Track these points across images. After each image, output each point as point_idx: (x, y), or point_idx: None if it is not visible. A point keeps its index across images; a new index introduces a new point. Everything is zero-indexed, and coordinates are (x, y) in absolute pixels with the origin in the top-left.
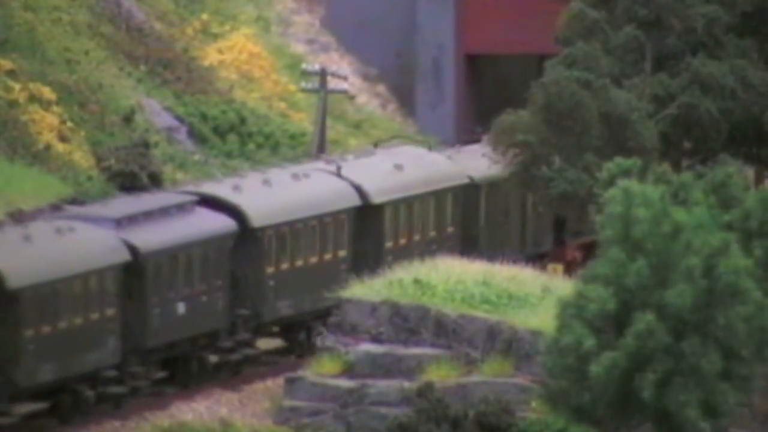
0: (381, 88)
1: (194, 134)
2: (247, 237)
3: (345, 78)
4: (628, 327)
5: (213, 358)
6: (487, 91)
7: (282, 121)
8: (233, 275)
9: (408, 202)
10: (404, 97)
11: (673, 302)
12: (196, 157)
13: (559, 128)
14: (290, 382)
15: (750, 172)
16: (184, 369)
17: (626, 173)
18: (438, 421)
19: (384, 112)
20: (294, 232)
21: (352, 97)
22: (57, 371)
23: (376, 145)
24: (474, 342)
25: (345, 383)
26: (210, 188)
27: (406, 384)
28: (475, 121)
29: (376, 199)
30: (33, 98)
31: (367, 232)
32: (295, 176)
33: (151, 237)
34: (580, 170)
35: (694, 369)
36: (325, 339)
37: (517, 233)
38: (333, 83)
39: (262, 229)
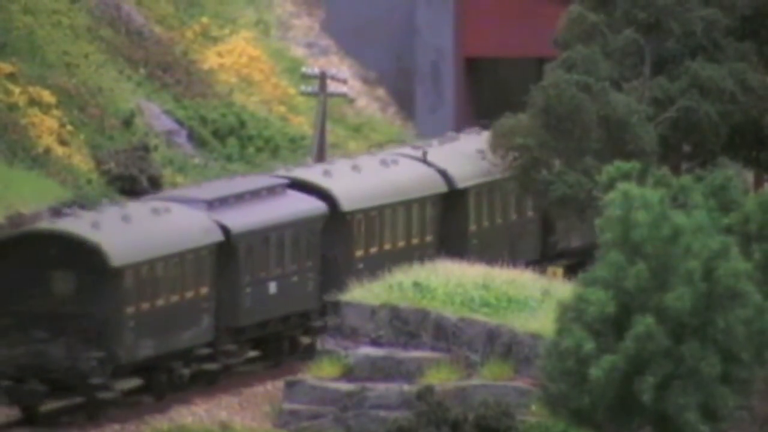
0: (381, 92)
1: (194, 138)
2: (336, 220)
3: (345, 81)
4: (628, 330)
5: (305, 339)
6: (486, 94)
7: (282, 124)
8: (323, 258)
9: (490, 186)
10: (404, 101)
11: (672, 305)
12: (196, 160)
13: (558, 131)
14: (290, 385)
15: (749, 175)
16: (276, 348)
17: (626, 176)
18: (438, 424)
19: (384, 116)
20: (382, 217)
21: (351, 101)
22: (155, 348)
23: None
24: (474, 345)
25: (345, 386)
26: (301, 172)
27: (406, 387)
28: (475, 122)
29: (461, 184)
30: (33, 102)
31: (453, 216)
32: (384, 162)
33: (243, 218)
34: (580, 173)
35: (693, 372)
36: (325, 342)
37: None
38: (333, 87)
39: (352, 213)
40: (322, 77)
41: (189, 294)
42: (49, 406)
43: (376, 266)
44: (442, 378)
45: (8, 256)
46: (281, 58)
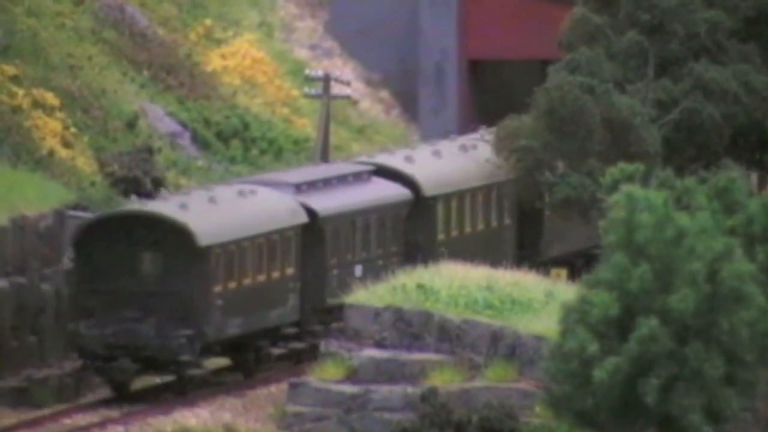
0: (384, 94)
1: (197, 140)
2: (420, 206)
3: (348, 83)
4: (632, 332)
5: None
6: (489, 96)
7: (285, 126)
8: (407, 242)
9: None
10: (407, 103)
11: (676, 307)
12: (199, 162)
13: (562, 133)
14: (294, 387)
15: (753, 176)
16: None
17: (629, 178)
18: (442, 426)
19: (387, 118)
20: (462, 202)
21: (355, 103)
22: (242, 326)
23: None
24: (477, 347)
25: (348, 389)
26: (384, 159)
27: (410, 389)
28: (477, 124)
29: None
30: (36, 104)
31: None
32: (463, 147)
33: (329, 202)
34: (583, 175)
35: (697, 374)
36: (329, 344)
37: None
38: (336, 89)
39: (435, 198)
40: (326, 79)
41: (275, 274)
42: (140, 384)
43: (458, 250)
44: (445, 380)
45: (98, 237)
46: (285, 60)
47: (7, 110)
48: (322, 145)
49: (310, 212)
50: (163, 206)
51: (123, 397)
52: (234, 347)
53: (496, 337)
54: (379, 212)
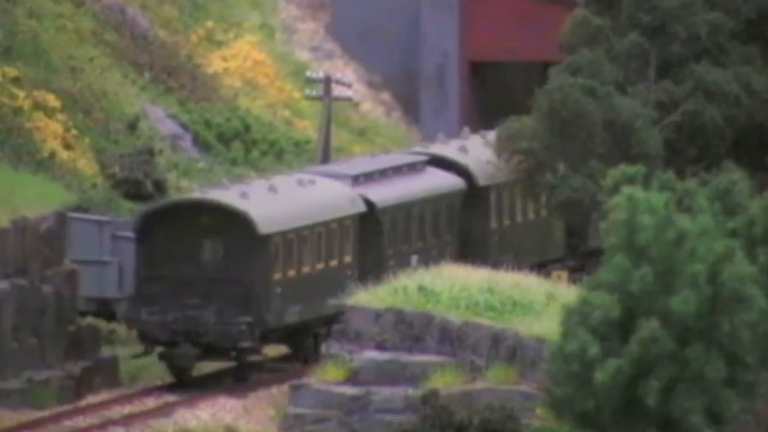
0: (385, 96)
1: (199, 141)
2: (473, 195)
3: (349, 85)
4: (633, 334)
5: None
6: (491, 98)
7: (286, 128)
8: (461, 231)
9: None
10: (409, 104)
11: (677, 309)
12: (201, 164)
13: (563, 135)
14: (295, 389)
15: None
16: None
17: (630, 180)
18: (443, 428)
19: (388, 119)
20: (514, 191)
21: (356, 105)
22: (301, 313)
23: None
24: (478, 349)
25: (349, 390)
26: (439, 149)
27: (411, 391)
28: (479, 127)
29: None
30: (37, 106)
31: None
32: None
33: (386, 192)
34: (585, 177)
35: (698, 376)
36: (330, 346)
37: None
38: (337, 90)
39: (488, 188)
40: (327, 81)
41: (333, 263)
42: (201, 369)
43: (511, 239)
44: (446, 382)
45: (161, 225)
46: (286, 62)
47: (8, 112)
48: (323, 147)
49: (368, 202)
50: (225, 194)
51: (184, 383)
52: (292, 334)
53: (497, 339)
54: (434, 202)
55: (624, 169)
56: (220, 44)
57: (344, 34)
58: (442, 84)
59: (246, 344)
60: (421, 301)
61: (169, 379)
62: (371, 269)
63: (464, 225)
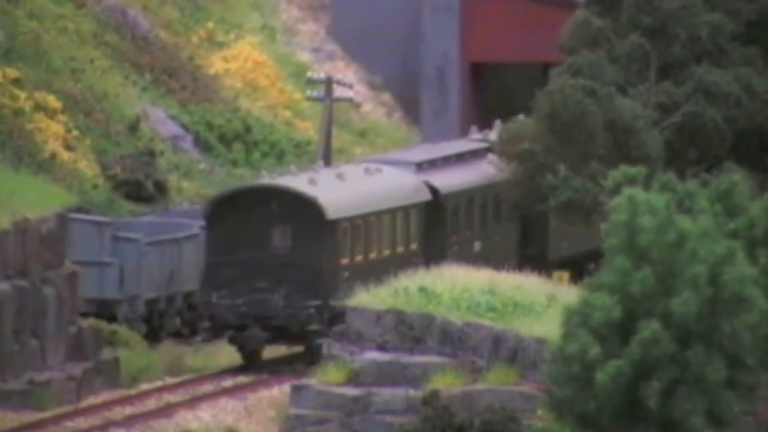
0: (386, 97)
1: (199, 143)
2: None
3: (350, 86)
4: (634, 335)
5: None
6: (491, 99)
7: (287, 129)
8: (522, 217)
9: None
10: (409, 106)
11: (678, 310)
12: (202, 165)
13: (563, 137)
14: (296, 390)
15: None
16: None
17: (631, 181)
18: (444, 429)
19: (389, 121)
20: None
21: (357, 106)
22: None
23: None
24: (479, 350)
25: (350, 391)
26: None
27: (412, 392)
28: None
29: None
30: (38, 107)
31: None
32: None
33: (450, 180)
34: (585, 179)
35: (699, 377)
36: (331, 347)
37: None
38: (338, 92)
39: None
40: (328, 82)
41: (399, 249)
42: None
43: (567, 224)
44: (447, 383)
45: (230, 211)
46: (287, 63)
47: (9, 113)
48: (324, 148)
49: (433, 190)
50: (294, 181)
51: (254, 365)
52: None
53: (498, 341)
54: (496, 189)
55: (625, 170)
56: (221, 46)
57: (345, 35)
58: (442, 85)
59: (314, 328)
60: (422, 303)
61: (170, 379)
62: (435, 255)
63: (525, 212)
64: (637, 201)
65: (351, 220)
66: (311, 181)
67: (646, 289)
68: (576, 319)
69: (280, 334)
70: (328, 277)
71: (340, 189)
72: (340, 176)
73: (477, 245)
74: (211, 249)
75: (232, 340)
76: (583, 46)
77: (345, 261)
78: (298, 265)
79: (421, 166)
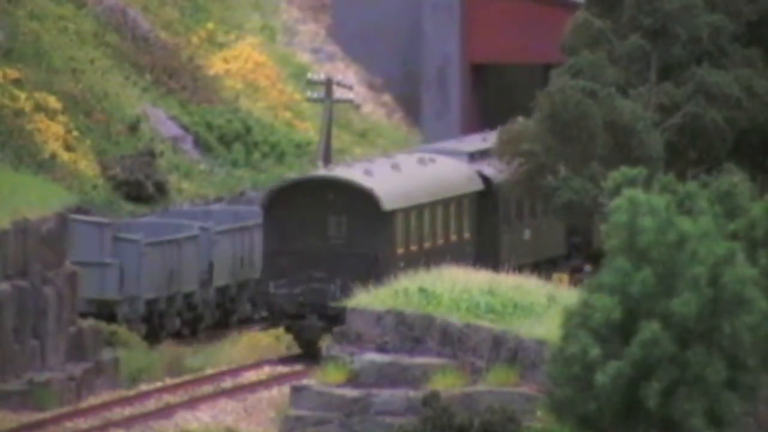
0: (387, 98)
1: (200, 143)
2: None
3: (350, 87)
4: (634, 336)
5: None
6: (492, 100)
7: (287, 130)
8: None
9: None
10: (410, 106)
11: (678, 311)
12: (202, 166)
13: (564, 137)
14: (295, 391)
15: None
16: None
17: (631, 182)
18: (443, 429)
19: (389, 121)
20: None
21: (357, 107)
22: None
23: None
24: (479, 351)
25: (350, 392)
26: None
27: (412, 393)
28: (480, 129)
29: None
30: (39, 107)
31: None
32: None
33: (501, 169)
34: (586, 179)
35: (699, 378)
36: (330, 348)
37: None
38: (338, 92)
39: None
40: (328, 83)
41: (453, 238)
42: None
43: None
44: (447, 384)
45: (288, 202)
46: (287, 63)
47: (9, 113)
48: (324, 148)
49: (485, 179)
50: (350, 172)
51: (311, 355)
52: None
53: (497, 341)
54: None
55: (625, 171)
56: (221, 46)
57: (345, 36)
58: (443, 86)
59: None
60: (422, 303)
61: (169, 380)
62: (487, 244)
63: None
64: (638, 202)
65: (406, 210)
66: (367, 172)
67: (646, 290)
68: (576, 319)
69: (336, 324)
70: (384, 266)
71: (396, 179)
72: (395, 167)
73: (527, 233)
74: (268, 239)
75: (289, 330)
76: (583, 47)
77: (400, 251)
78: (355, 255)
79: (473, 156)
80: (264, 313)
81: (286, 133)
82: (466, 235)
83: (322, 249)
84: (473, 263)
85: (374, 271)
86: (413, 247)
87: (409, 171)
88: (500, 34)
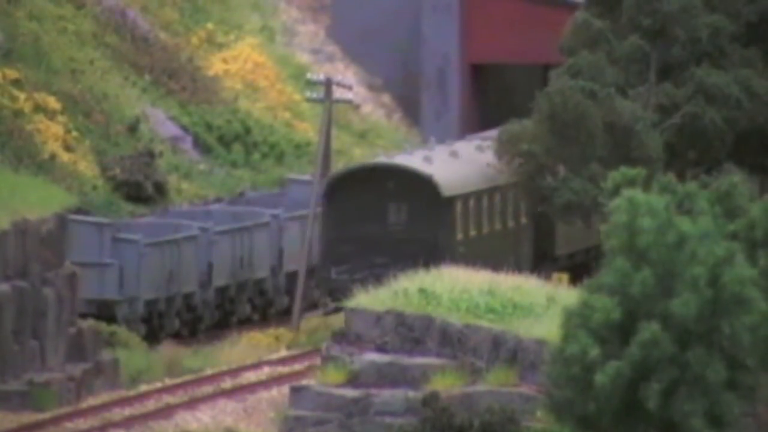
0: (386, 98)
1: (199, 144)
2: None
3: (350, 88)
4: (633, 336)
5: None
6: (491, 100)
7: (287, 130)
8: None
9: None
10: (409, 107)
11: (678, 312)
12: (201, 166)
13: (563, 138)
14: (295, 391)
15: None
16: (581, 274)
17: (631, 183)
18: (443, 430)
19: (389, 122)
20: None
21: (357, 107)
22: None
23: None
24: (479, 351)
25: (350, 393)
26: None
27: (411, 393)
28: (480, 130)
29: None
30: (38, 108)
31: None
32: None
33: None
34: (585, 180)
35: (699, 378)
36: (330, 348)
37: None
38: (338, 93)
39: None
40: (328, 83)
41: (511, 224)
42: None
43: None
44: (447, 384)
45: (349, 188)
46: (286, 64)
47: (8, 114)
48: (323, 149)
49: None
50: (410, 159)
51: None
52: None
53: (497, 342)
54: None
55: (624, 171)
56: (220, 46)
57: (345, 36)
58: (442, 86)
59: None
60: (421, 304)
61: (169, 380)
62: (543, 229)
63: None
64: (637, 202)
65: (465, 196)
66: (426, 159)
67: (645, 291)
68: (576, 320)
69: None
70: (444, 252)
71: (454, 166)
72: (453, 153)
73: (579, 221)
74: (329, 225)
75: None
76: (583, 48)
77: (460, 236)
78: (415, 241)
79: None
80: (328, 300)
81: (285, 134)
82: (524, 221)
83: (383, 235)
84: (531, 251)
85: (434, 256)
86: (472, 233)
87: (468, 158)
88: (500, 34)
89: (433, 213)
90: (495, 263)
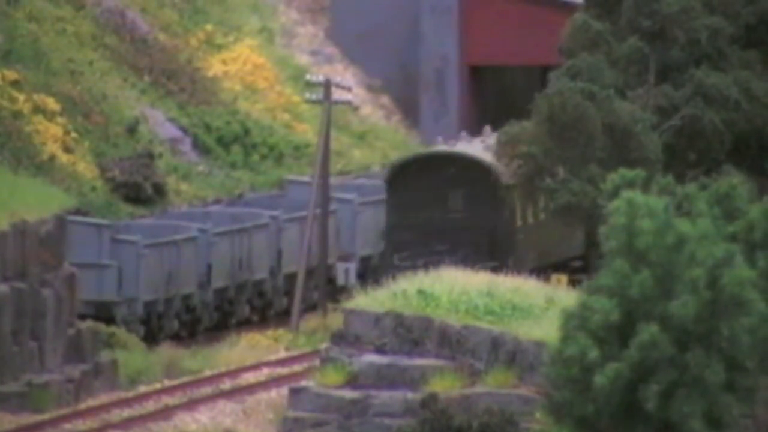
0: (385, 99)
1: (198, 145)
2: None
3: (349, 89)
4: (632, 338)
5: None
6: (490, 102)
7: (286, 132)
8: None
9: None
10: (408, 108)
11: (677, 313)
12: (200, 168)
13: (562, 139)
14: (294, 392)
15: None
16: None
17: (630, 184)
18: (442, 431)
19: (388, 123)
20: None
21: (356, 108)
22: (538, 260)
23: None
24: (478, 353)
25: (349, 394)
26: None
27: (410, 395)
28: (479, 131)
29: None
30: (37, 109)
31: None
32: None
33: None
34: (584, 181)
35: (697, 380)
36: (329, 350)
37: None
38: (337, 94)
39: None
40: (327, 85)
41: None
42: None
43: None
44: (446, 385)
45: (410, 176)
46: (285, 65)
47: (8, 115)
48: (322, 150)
49: None
50: (470, 148)
51: None
52: None
53: (496, 343)
54: None
55: (623, 173)
56: (219, 48)
57: (344, 37)
58: (441, 88)
59: None
60: (420, 305)
61: (168, 381)
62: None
63: None
64: (636, 204)
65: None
66: (487, 148)
67: (644, 292)
68: (575, 321)
69: None
70: (504, 239)
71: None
72: None
73: None
74: (391, 212)
75: None
76: (582, 49)
77: (519, 224)
78: (475, 228)
79: None
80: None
81: (284, 135)
82: None
83: (444, 222)
84: (584, 237)
85: (494, 243)
86: (530, 221)
87: None
88: (498, 36)
89: (493, 201)
90: (551, 252)
